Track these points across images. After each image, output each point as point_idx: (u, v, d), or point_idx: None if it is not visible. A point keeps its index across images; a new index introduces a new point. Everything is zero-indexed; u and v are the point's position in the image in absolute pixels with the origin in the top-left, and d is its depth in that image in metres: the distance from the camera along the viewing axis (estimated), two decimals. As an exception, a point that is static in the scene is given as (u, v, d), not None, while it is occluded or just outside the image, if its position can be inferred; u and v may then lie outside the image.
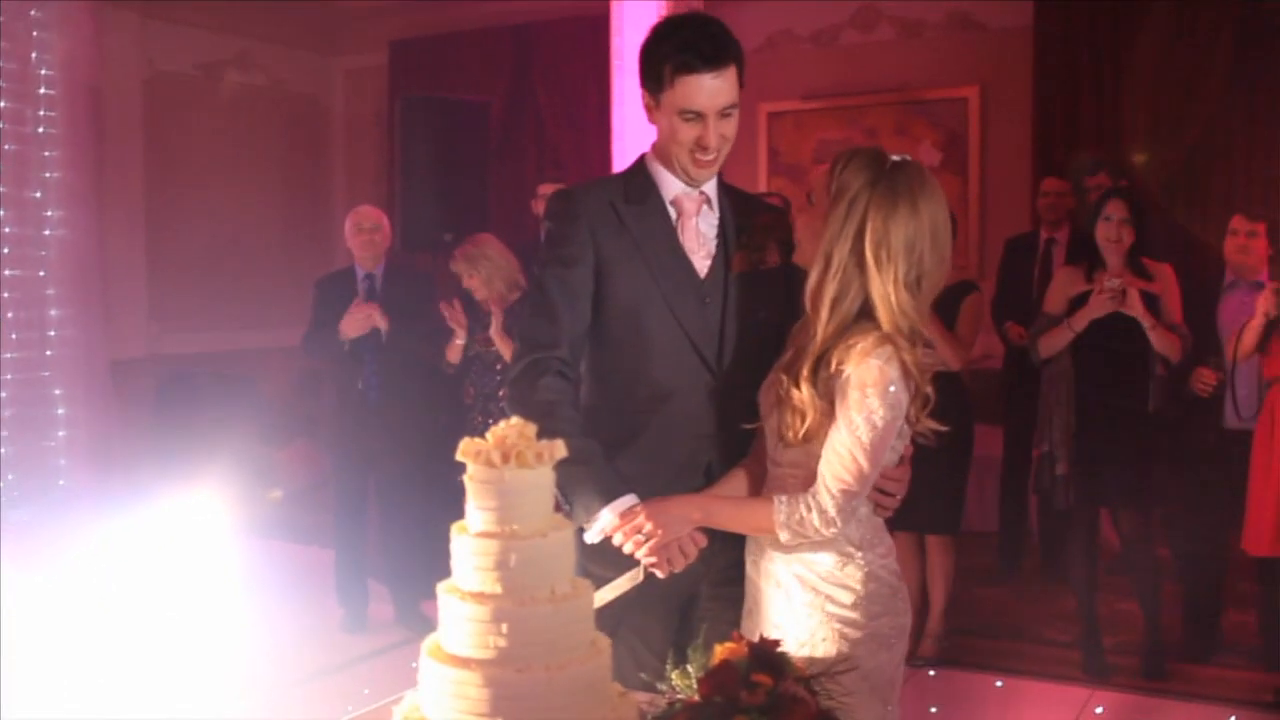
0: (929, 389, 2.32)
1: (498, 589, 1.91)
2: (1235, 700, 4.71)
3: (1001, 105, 7.86)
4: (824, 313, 2.28)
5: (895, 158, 2.32)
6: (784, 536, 2.32)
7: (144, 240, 8.63)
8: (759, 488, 2.49)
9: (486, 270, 5.50)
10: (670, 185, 2.58)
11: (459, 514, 5.90)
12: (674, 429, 2.52)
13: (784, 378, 2.31)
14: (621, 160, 6.28)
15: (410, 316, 5.74)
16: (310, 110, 9.92)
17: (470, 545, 1.94)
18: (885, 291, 2.25)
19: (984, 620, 5.57)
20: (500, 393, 5.45)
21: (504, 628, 1.88)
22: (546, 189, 6.18)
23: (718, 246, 2.58)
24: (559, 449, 1.99)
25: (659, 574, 2.38)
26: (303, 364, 7.72)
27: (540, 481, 1.97)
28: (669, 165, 2.57)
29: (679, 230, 2.58)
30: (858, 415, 2.23)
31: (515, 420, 2.01)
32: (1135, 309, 4.64)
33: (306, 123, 9.88)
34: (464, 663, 1.89)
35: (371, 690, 4.86)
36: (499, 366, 5.50)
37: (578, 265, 2.53)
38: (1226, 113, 6.85)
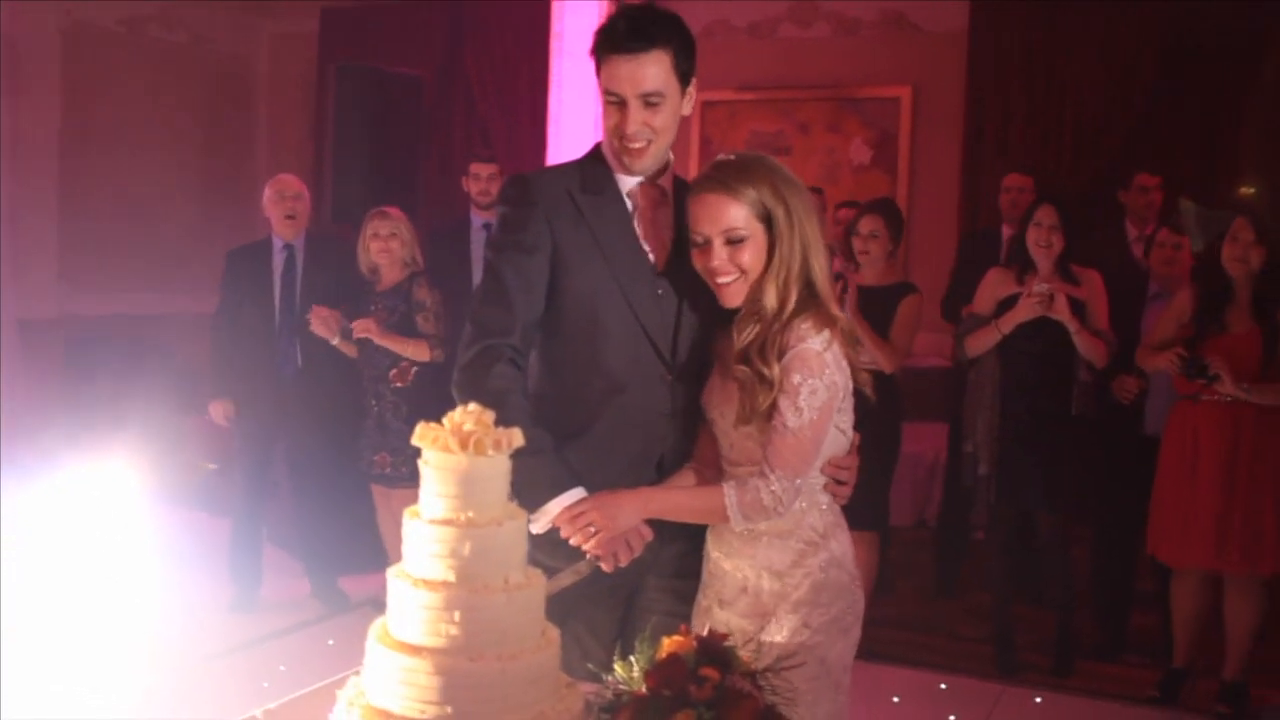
0: (862, 357, 2.51)
1: (451, 576, 1.89)
2: (1133, 698, 4.84)
3: (933, 107, 7.95)
4: (792, 301, 2.38)
5: (734, 157, 2.45)
6: (736, 520, 2.36)
7: (56, 197, 8.37)
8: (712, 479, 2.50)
9: (400, 242, 5.43)
10: (625, 177, 2.55)
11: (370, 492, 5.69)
12: (627, 421, 2.50)
13: (750, 357, 2.36)
14: (558, 141, 6.24)
15: (331, 288, 5.64)
16: (235, 72, 9.70)
17: (424, 531, 1.91)
18: (818, 248, 2.42)
19: (903, 614, 5.63)
20: (391, 373, 5.38)
21: (457, 616, 1.86)
22: (479, 168, 6.13)
23: (674, 240, 2.55)
24: (516, 437, 1.97)
25: (605, 568, 2.38)
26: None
27: (497, 469, 1.95)
28: (612, 155, 2.55)
29: (635, 222, 2.55)
30: (795, 397, 2.32)
31: (474, 407, 1.98)
32: (1062, 314, 4.72)
33: (230, 84, 9.66)
34: (415, 650, 1.87)
35: (287, 668, 4.81)
36: (384, 348, 5.41)
37: (534, 253, 2.49)
38: (1150, 125, 7.00)
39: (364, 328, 5.31)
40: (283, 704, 2.20)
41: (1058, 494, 4.90)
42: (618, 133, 2.47)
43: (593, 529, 2.35)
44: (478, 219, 6.12)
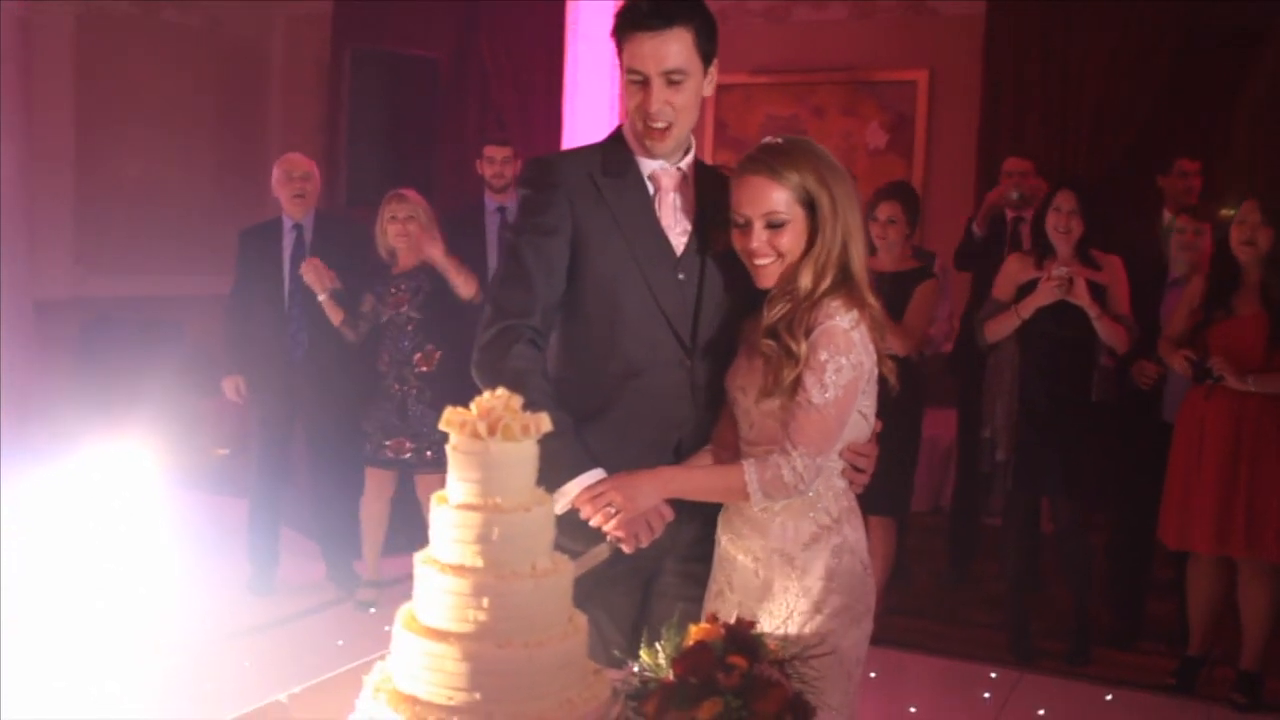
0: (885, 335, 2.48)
1: (479, 562, 1.88)
2: (1149, 685, 4.83)
3: (950, 91, 7.92)
4: (827, 282, 2.39)
5: (783, 140, 2.43)
6: (756, 498, 2.35)
7: (72, 179, 8.37)
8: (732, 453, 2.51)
9: (418, 225, 5.40)
10: (647, 160, 2.54)
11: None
12: (645, 404, 2.50)
13: (778, 332, 2.37)
14: (573, 125, 6.23)
15: (342, 269, 5.60)
16: (248, 54, 9.67)
17: (451, 517, 1.91)
18: (860, 236, 2.44)
19: (919, 600, 5.62)
20: (415, 357, 5.37)
21: (485, 602, 1.86)
22: (493, 151, 6.11)
23: (695, 224, 2.55)
24: (544, 422, 1.96)
25: (625, 549, 2.38)
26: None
27: (525, 454, 1.94)
28: (633, 137, 2.55)
29: (657, 206, 2.54)
30: (820, 374, 2.33)
31: (501, 392, 1.98)
32: (1081, 298, 4.70)
33: (244, 67, 9.64)
34: (442, 636, 1.86)
35: (310, 651, 4.83)
36: (410, 329, 5.41)
37: (555, 235, 2.50)
38: (1168, 112, 6.96)
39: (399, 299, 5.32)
40: (307, 688, 2.20)
41: (1076, 480, 4.88)
42: (640, 112, 2.47)
43: (612, 510, 2.35)
44: (492, 202, 6.11)
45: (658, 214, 2.54)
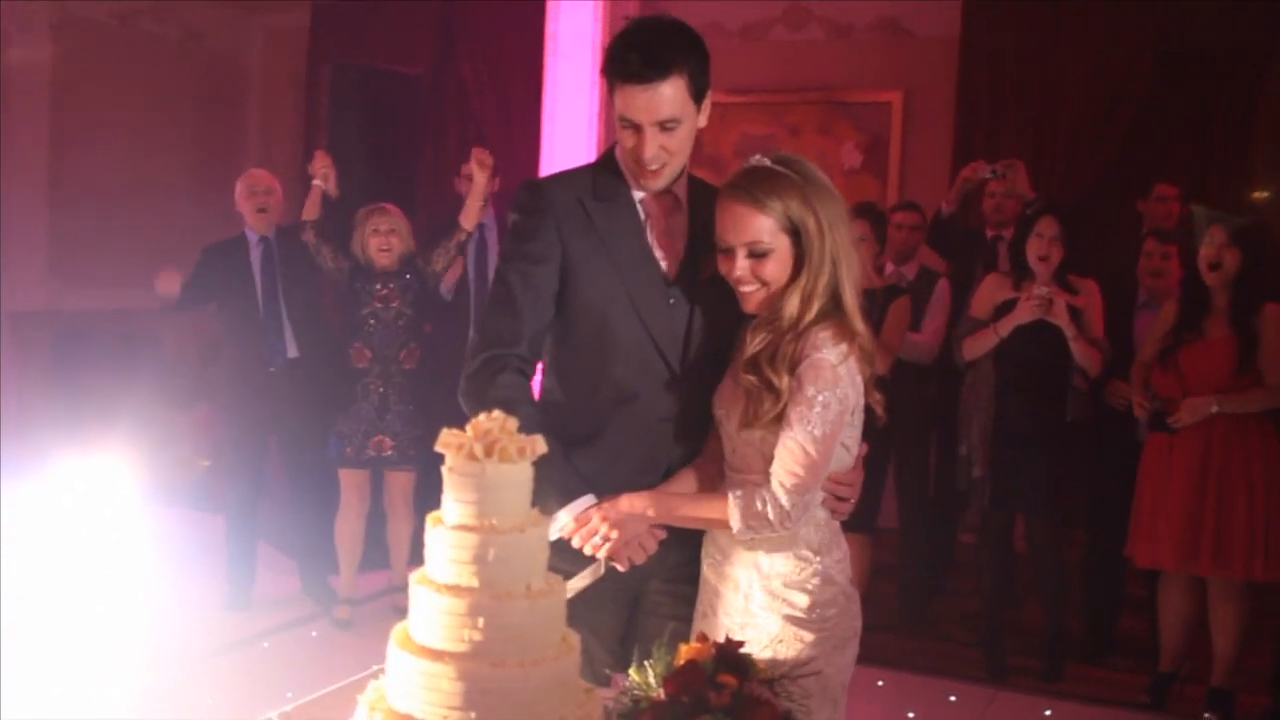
0: (876, 360, 2.46)
1: (474, 583, 1.91)
2: (1122, 702, 4.89)
3: (924, 112, 7.97)
4: (813, 312, 2.35)
5: (770, 161, 2.39)
6: (738, 530, 2.35)
7: (46, 191, 8.33)
8: (711, 489, 2.51)
9: (399, 238, 5.55)
10: (640, 186, 2.53)
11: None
12: (636, 429, 2.51)
13: (760, 365, 2.34)
14: (552, 141, 6.24)
15: (311, 277, 5.71)
16: (226, 67, 9.66)
17: (447, 538, 1.93)
18: (850, 261, 2.40)
19: (891, 617, 5.67)
20: (401, 354, 5.43)
21: (480, 622, 1.88)
22: (479, 154, 6.11)
23: (687, 248, 2.54)
24: (539, 444, 1.99)
25: (619, 568, 2.40)
26: (207, 326, 7.55)
27: (520, 476, 1.97)
28: (625, 167, 2.53)
29: (648, 230, 2.54)
30: (808, 410, 2.29)
31: (497, 414, 2.00)
32: (1060, 318, 4.77)
33: (221, 79, 9.62)
34: (437, 655, 1.89)
35: (290, 667, 4.81)
36: (400, 324, 5.49)
37: (543, 262, 2.50)
38: (1142, 136, 7.04)
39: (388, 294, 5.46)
40: (298, 706, 2.21)
41: (1051, 498, 4.95)
42: (634, 155, 2.46)
43: (601, 539, 2.37)
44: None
45: (649, 239, 2.54)
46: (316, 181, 5.59)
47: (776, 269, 2.37)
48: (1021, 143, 6.75)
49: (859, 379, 2.38)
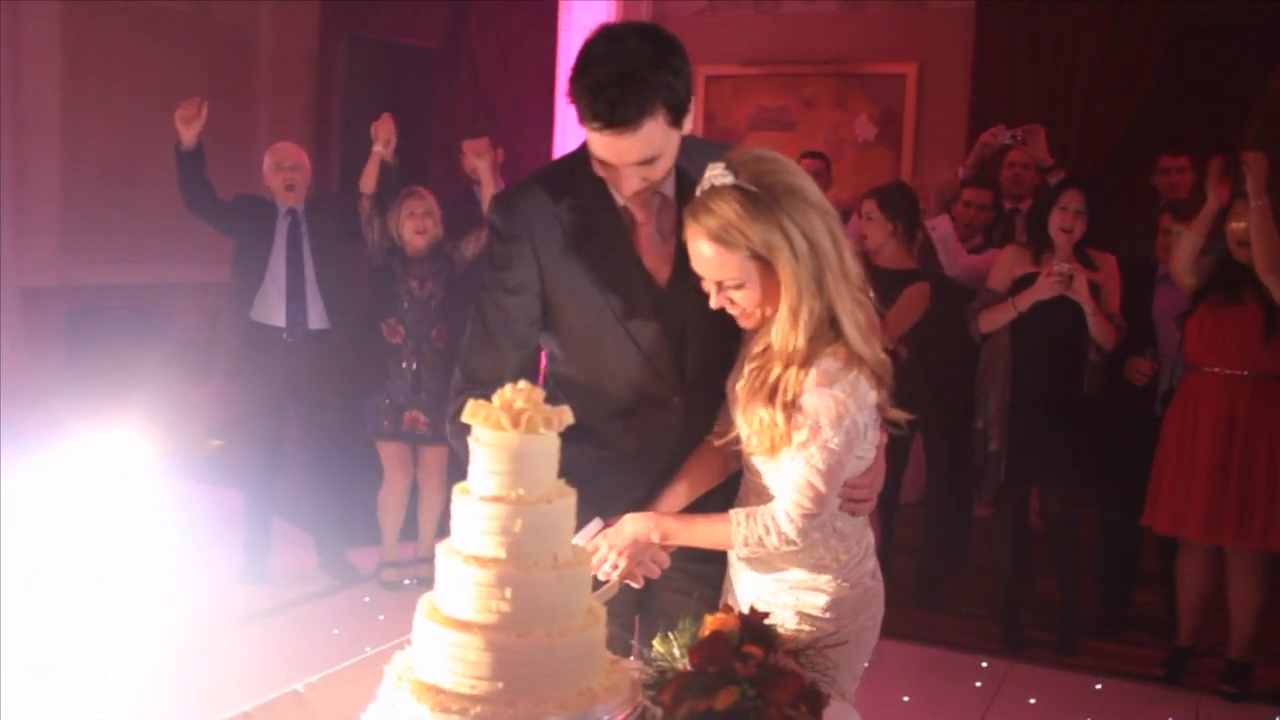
0: (886, 360, 2.28)
1: (502, 554, 1.90)
2: (1138, 676, 4.89)
3: (939, 84, 7.93)
4: (802, 338, 2.18)
5: (720, 171, 2.17)
6: (742, 554, 2.31)
7: (58, 167, 8.31)
8: (720, 464, 2.43)
9: (433, 221, 5.62)
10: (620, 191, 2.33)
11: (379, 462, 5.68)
12: (636, 440, 2.44)
13: (761, 405, 2.22)
14: (564, 117, 6.22)
15: (339, 248, 5.71)
16: (237, 39, 9.62)
17: (474, 509, 1.93)
18: (845, 278, 2.20)
19: (906, 591, 5.67)
20: (433, 333, 5.50)
21: (507, 592, 1.88)
22: (471, 145, 6.10)
23: (678, 247, 2.33)
24: (566, 415, 1.99)
25: (635, 585, 2.37)
26: (220, 301, 7.55)
27: (547, 447, 1.96)
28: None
29: (634, 239, 2.37)
30: (813, 445, 2.19)
31: (523, 384, 2.00)
32: (1081, 294, 4.75)
33: (232, 53, 9.58)
34: (465, 626, 1.89)
35: (309, 641, 4.83)
36: (434, 304, 5.57)
37: (521, 292, 2.37)
38: (1158, 107, 7.00)
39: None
40: (324, 678, 2.21)
41: (1068, 472, 4.94)
42: (612, 183, 2.29)
43: (611, 566, 2.32)
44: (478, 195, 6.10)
45: (636, 249, 2.36)
46: (377, 148, 5.58)
47: (753, 297, 2.21)
48: (1037, 115, 6.68)
49: (871, 396, 2.22)
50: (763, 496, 2.33)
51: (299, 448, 5.98)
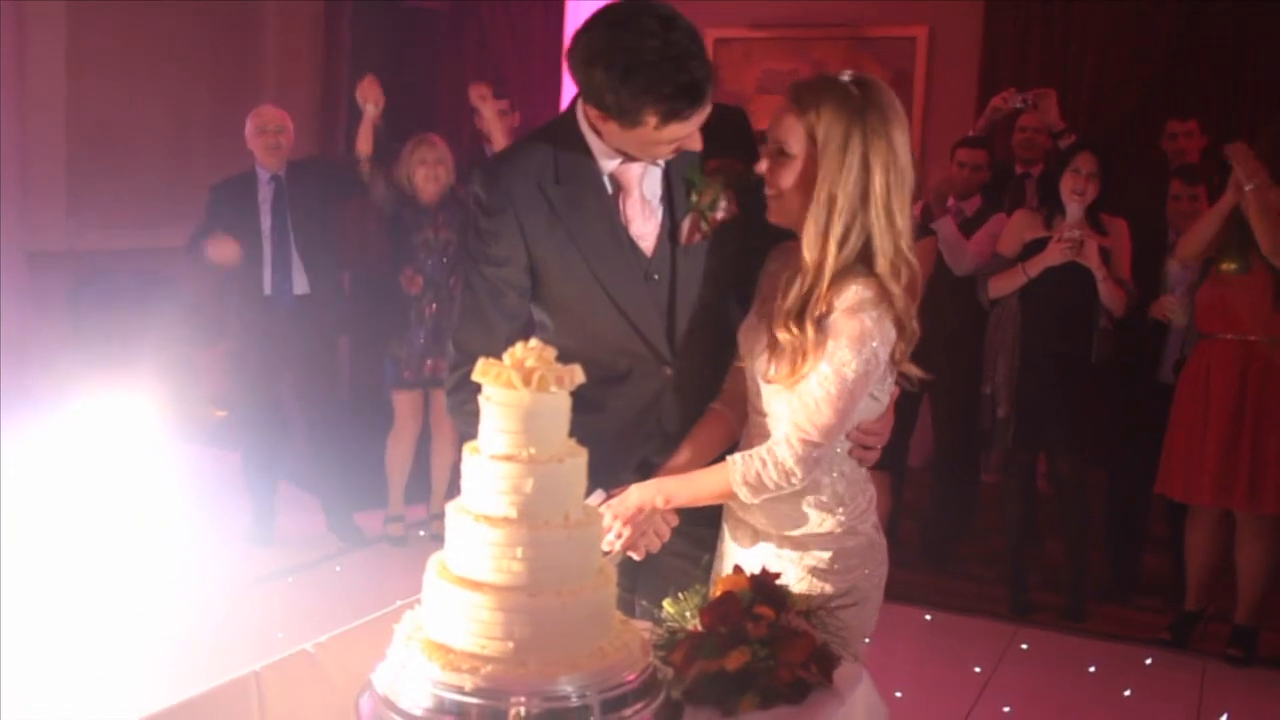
0: (914, 324, 2.26)
1: (513, 513, 1.89)
2: (1144, 640, 4.90)
3: (949, 47, 7.85)
4: (831, 257, 2.17)
5: (848, 77, 2.22)
6: (744, 494, 2.24)
7: (64, 131, 8.27)
8: (726, 431, 2.42)
9: (445, 169, 5.60)
10: (608, 157, 2.31)
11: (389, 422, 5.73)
12: (628, 406, 2.42)
13: (789, 321, 2.19)
14: (573, 89, 6.17)
15: (321, 212, 5.67)
16: (242, 3, 9.56)
17: (486, 468, 1.92)
18: (891, 225, 2.19)
19: (914, 555, 5.67)
20: (451, 280, 5.50)
21: (519, 552, 1.87)
22: (479, 89, 6.04)
23: (665, 209, 2.36)
24: (577, 373, 1.98)
25: (636, 557, 2.36)
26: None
27: (558, 405, 1.95)
28: (591, 129, 2.28)
29: (620, 207, 2.35)
30: (828, 366, 2.16)
31: (534, 342, 1.99)
32: (1092, 260, 4.73)
33: (237, 16, 9.52)
34: (476, 586, 1.88)
35: (319, 602, 4.85)
36: (450, 251, 5.56)
37: (508, 264, 2.36)
38: (1170, 73, 6.94)
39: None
40: (333, 637, 2.21)
41: (1075, 437, 4.93)
42: (634, 153, 2.27)
43: (615, 536, 2.30)
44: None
45: (622, 217, 2.35)
46: (369, 108, 5.56)
47: (789, 178, 2.21)
48: (1048, 79, 6.64)
49: (893, 334, 2.21)
50: (768, 437, 2.29)
51: (297, 411, 5.95)
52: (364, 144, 5.58)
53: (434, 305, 5.56)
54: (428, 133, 5.74)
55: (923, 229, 5.11)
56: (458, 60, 8.44)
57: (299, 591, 5.12)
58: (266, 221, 5.59)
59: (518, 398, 1.90)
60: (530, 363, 1.94)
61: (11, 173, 7.85)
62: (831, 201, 2.17)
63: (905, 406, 5.05)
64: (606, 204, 2.34)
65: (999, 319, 5.05)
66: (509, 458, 1.91)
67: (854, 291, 2.16)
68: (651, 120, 2.16)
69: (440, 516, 5.00)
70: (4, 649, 4.09)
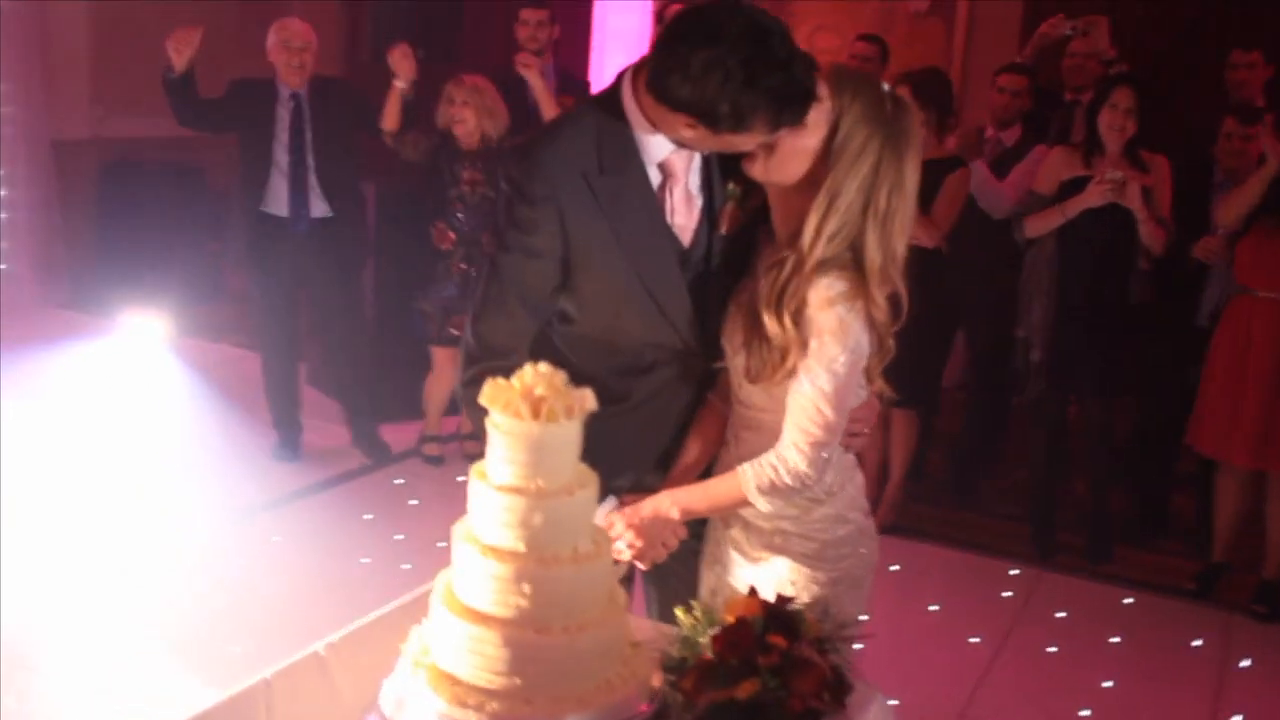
0: (891, 342, 2.24)
1: (520, 546, 1.86)
2: (1168, 589, 4.85)
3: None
4: (817, 249, 2.13)
5: (887, 88, 2.20)
6: (761, 503, 2.22)
7: (87, 16, 8.12)
8: (723, 423, 2.39)
9: (480, 112, 5.34)
10: (658, 146, 2.22)
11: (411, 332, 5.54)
12: (651, 397, 2.37)
13: (768, 310, 2.16)
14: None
15: (342, 134, 5.43)
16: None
17: (493, 499, 1.87)
18: (885, 238, 2.16)
19: (939, 489, 5.63)
20: (484, 237, 5.32)
21: (526, 588, 1.84)
22: (528, 14, 5.86)
23: (705, 197, 2.31)
24: (589, 400, 1.92)
25: (642, 567, 2.32)
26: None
27: (568, 436, 1.90)
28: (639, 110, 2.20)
29: (666, 197, 2.28)
30: (818, 364, 2.14)
31: (544, 368, 1.92)
32: (1134, 202, 4.57)
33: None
34: (483, 619, 1.85)
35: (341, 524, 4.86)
36: (486, 207, 5.36)
37: (542, 258, 2.25)
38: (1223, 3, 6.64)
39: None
40: (344, 638, 2.19)
41: (1110, 381, 4.84)
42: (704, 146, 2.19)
43: (626, 545, 2.25)
44: (521, 68, 5.85)
45: (665, 210, 2.28)
46: (398, 83, 5.25)
47: (797, 150, 2.15)
48: (1095, 5, 6.34)
49: (865, 332, 2.18)
50: (756, 429, 2.28)
51: (319, 326, 5.84)
52: (390, 120, 5.30)
53: (465, 264, 5.38)
54: (475, 75, 5.45)
55: (957, 160, 4.96)
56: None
57: (323, 514, 5.11)
58: (284, 141, 5.32)
59: (525, 428, 1.85)
60: (540, 390, 1.88)
61: (35, 61, 7.74)
62: (833, 197, 2.14)
63: (937, 340, 5.02)
64: (650, 196, 2.27)
65: (1033, 261, 4.92)
66: (517, 490, 1.86)
67: (826, 284, 2.14)
68: (761, 125, 2.08)
69: (473, 436, 5.00)
70: (9, 565, 4.10)
